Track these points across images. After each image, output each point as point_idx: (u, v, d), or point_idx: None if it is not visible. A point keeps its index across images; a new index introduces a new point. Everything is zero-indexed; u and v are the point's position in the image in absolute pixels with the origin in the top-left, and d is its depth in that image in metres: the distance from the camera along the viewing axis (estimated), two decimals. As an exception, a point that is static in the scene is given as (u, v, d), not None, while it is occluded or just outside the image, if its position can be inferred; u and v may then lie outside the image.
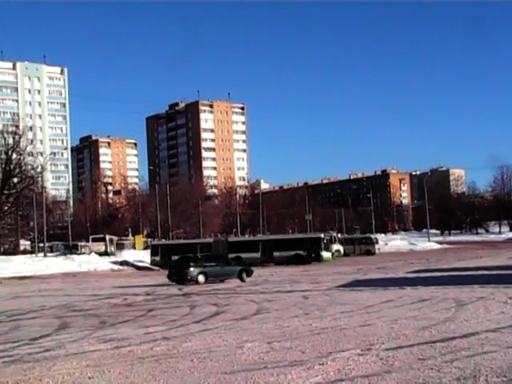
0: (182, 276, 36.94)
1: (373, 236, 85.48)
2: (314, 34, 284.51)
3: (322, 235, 63.31)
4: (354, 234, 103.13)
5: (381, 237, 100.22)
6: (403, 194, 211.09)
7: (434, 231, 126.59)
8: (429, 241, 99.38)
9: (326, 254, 60.35)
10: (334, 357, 12.26)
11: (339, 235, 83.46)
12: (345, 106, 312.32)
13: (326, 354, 12.55)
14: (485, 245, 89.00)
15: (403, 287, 26.94)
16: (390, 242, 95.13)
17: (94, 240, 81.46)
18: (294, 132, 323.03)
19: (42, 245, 78.12)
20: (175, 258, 59.68)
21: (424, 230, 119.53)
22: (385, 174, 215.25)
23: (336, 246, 69.22)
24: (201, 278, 36.58)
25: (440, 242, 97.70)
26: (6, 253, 78.77)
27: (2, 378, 11.65)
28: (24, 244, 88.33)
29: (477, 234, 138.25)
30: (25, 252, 79.72)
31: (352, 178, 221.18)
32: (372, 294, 25.09)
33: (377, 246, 78.07)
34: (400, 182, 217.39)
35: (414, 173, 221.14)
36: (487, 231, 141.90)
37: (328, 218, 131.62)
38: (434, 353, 12.23)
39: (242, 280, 37.36)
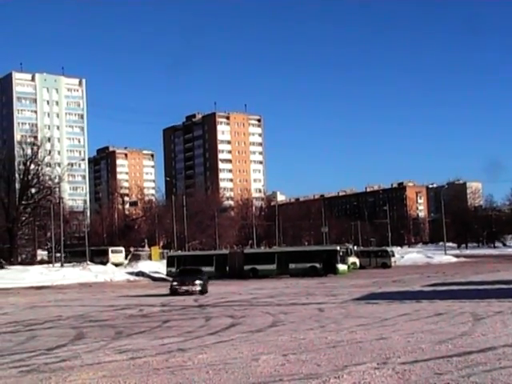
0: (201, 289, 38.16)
1: (389, 249, 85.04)
2: (330, 44, 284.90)
3: (338, 248, 63.02)
4: (370, 247, 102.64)
5: (397, 250, 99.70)
6: (420, 207, 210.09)
7: (450, 244, 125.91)
8: (445, 254, 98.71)
9: (341, 267, 60.05)
10: (349, 370, 12.22)
11: (355, 248, 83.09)
12: (362, 118, 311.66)
13: (341, 368, 12.51)
14: (502, 258, 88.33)
15: (420, 301, 26.81)
16: (407, 255, 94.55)
17: (113, 251, 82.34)
18: (310, 144, 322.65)
19: (58, 255, 78.45)
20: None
21: (441, 243, 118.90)
22: (401, 187, 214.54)
23: (352, 259, 68.85)
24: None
25: (457, 256, 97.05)
26: (23, 263, 79.12)
27: (19, 388, 11.70)
28: (41, 254, 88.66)
29: (494, 247, 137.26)
30: (42, 262, 79.96)
31: (368, 190, 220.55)
32: (388, 307, 24.98)
33: (393, 259, 77.61)
34: (417, 195, 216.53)
35: (430, 186, 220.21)
36: (504, 245, 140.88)
37: (344, 230, 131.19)
38: (450, 367, 12.16)
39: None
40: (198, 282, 38.56)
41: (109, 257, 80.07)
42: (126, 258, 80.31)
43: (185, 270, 44.40)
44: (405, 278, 48.73)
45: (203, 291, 38.29)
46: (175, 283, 38.91)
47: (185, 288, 38.11)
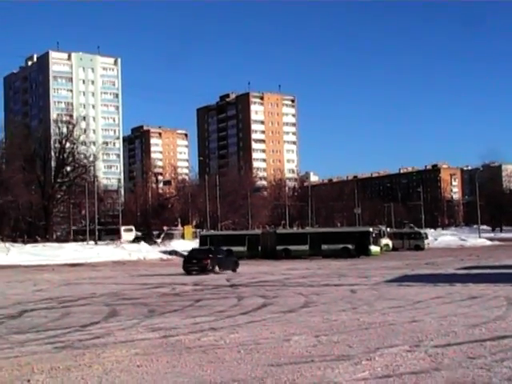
0: (202, 267, 39.32)
1: (422, 231, 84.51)
2: (365, 29, 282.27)
3: (371, 229, 62.85)
4: (404, 229, 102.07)
5: (430, 232, 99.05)
6: (454, 190, 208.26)
7: (484, 227, 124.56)
8: (479, 237, 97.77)
9: (374, 248, 59.91)
10: (381, 352, 12.16)
11: (388, 229, 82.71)
12: (396, 100, 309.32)
13: (373, 350, 12.46)
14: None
15: (453, 284, 26.62)
16: (440, 238, 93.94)
17: (125, 230, 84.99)
18: (343, 125, 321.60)
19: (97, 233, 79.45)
20: (224, 248, 60.16)
21: (475, 226, 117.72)
22: (435, 169, 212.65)
23: (385, 241, 68.66)
24: (217, 269, 39.82)
25: (491, 239, 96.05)
26: (58, 240, 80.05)
27: (54, 363, 11.85)
28: (128, 229, 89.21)
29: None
30: (76, 240, 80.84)
31: (402, 172, 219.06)
32: (421, 290, 24.83)
33: (426, 242, 77.18)
34: (451, 177, 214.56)
35: (465, 168, 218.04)
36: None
37: (377, 211, 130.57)
38: (484, 351, 12.04)
39: (234, 271, 40.72)
40: (207, 261, 39.54)
41: (121, 235, 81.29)
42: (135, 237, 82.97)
43: (194, 250, 45.13)
44: (438, 261, 48.42)
45: (213, 268, 39.43)
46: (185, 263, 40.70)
47: (192, 267, 39.62)
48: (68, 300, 24.47)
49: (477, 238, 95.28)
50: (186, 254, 62.36)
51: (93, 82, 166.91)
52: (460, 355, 11.80)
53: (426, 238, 78.88)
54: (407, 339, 13.53)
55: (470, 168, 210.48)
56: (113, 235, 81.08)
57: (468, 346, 12.56)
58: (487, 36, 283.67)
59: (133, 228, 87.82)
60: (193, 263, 39.89)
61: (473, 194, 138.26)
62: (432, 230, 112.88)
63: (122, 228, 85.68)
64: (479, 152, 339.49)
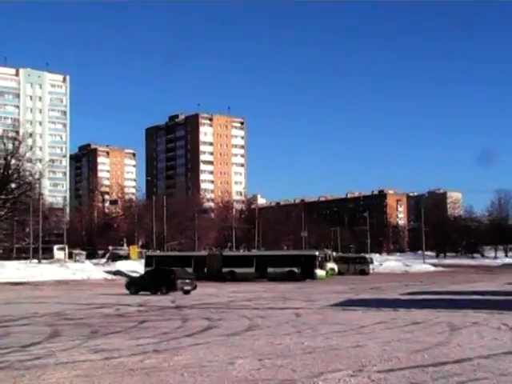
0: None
1: (367, 256, 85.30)
2: (313, 48, 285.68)
3: (317, 253, 63.20)
4: (349, 253, 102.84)
5: (375, 257, 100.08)
6: (400, 215, 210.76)
7: (429, 253, 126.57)
8: (424, 263, 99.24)
9: (320, 272, 60.21)
10: (325, 377, 12.19)
11: (334, 253, 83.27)
12: (345, 124, 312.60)
13: (317, 374, 12.48)
14: (480, 269, 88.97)
15: (396, 309, 26.87)
16: (385, 263, 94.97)
17: (58, 249, 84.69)
18: (292, 148, 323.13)
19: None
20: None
21: (419, 252, 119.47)
22: (382, 194, 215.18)
23: (330, 265, 69.07)
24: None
25: (435, 265, 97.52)
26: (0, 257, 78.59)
27: (-9, 385, 11.59)
28: (60, 248, 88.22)
29: (472, 257, 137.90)
30: (19, 258, 79.52)
31: (349, 196, 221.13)
32: (365, 315, 25.00)
33: (371, 266, 77.94)
34: (397, 203, 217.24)
35: (411, 194, 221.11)
36: (482, 255, 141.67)
37: (323, 235, 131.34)
38: (426, 377, 12.17)
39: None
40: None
41: (53, 253, 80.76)
42: (68, 255, 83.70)
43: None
44: (382, 286, 48.87)
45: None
46: None
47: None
48: (8, 319, 23.98)
49: (421, 264, 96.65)
50: (132, 274, 62.07)
51: (40, 99, 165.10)
52: (402, 381, 11.90)
53: (371, 262, 79.68)
54: (351, 364, 13.59)
55: (415, 194, 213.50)
56: (45, 254, 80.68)
57: (410, 372, 12.67)
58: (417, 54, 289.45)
59: (65, 246, 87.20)
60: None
61: (418, 220, 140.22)
62: (377, 255, 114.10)
63: (55, 247, 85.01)
64: (425, 178, 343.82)
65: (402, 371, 12.75)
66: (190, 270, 60.00)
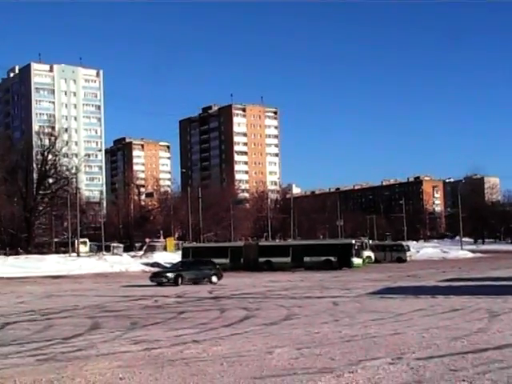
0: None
1: (404, 243, 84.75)
2: (349, 39, 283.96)
3: (353, 241, 62.94)
4: (386, 241, 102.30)
5: (412, 244, 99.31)
6: (436, 202, 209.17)
7: (466, 239, 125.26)
8: (461, 249, 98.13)
9: (356, 261, 59.94)
10: (363, 365, 12.21)
11: (370, 242, 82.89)
12: (379, 111, 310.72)
13: (355, 362, 12.50)
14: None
15: (435, 296, 26.72)
16: (422, 250, 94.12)
17: (81, 243, 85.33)
18: (326, 137, 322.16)
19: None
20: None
21: (457, 238, 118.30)
22: (418, 181, 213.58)
23: (367, 253, 68.70)
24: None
25: (473, 251, 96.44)
26: (40, 252, 79.60)
27: (37, 376, 11.81)
28: (83, 242, 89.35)
29: (511, 243, 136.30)
30: (59, 252, 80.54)
31: (384, 184, 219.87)
32: (403, 302, 24.92)
33: (408, 254, 77.30)
34: (433, 189, 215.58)
35: (447, 180, 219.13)
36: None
37: (359, 224, 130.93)
38: (465, 364, 12.11)
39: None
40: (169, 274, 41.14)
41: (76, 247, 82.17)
42: (90, 249, 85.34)
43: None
44: (420, 273, 48.57)
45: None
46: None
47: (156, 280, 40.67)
48: (50, 312, 24.34)
49: (459, 251, 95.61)
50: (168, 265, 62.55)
51: (75, 94, 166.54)
52: (442, 368, 11.86)
53: (408, 250, 79.03)
54: (389, 352, 13.58)
55: (452, 180, 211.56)
56: (59, 248, 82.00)
57: (450, 359, 12.62)
58: (470, 48, 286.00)
59: (87, 240, 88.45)
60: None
61: (455, 206, 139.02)
62: (414, 243, 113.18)
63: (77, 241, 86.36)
64: (462, 165, 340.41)
65: (441, 358, 12.70)
66: (226, 260, 60.56)
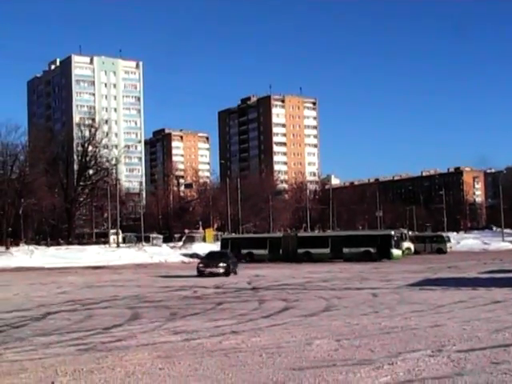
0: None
1: (444, 234, 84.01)
2: (389, 31, 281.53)
3: (393, 232, 62.55)
4: (425, 232, 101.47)
5: (453, 235, 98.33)
6: (477, 192, 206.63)
7: (508, 231, 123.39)
8: (503, 241, 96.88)
9: (396, 252, 59.60)
10: (403, 357, 12.13)
11: (410, 233, 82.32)
12: (419, 102, 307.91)
13: (395, 354, 12.42)
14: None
15: (476, 288, 26.45)
16: (462, 241, 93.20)
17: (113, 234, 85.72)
18: (365, 127, 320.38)
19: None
20: (245, 251, 60.32)
21: (498, 230, 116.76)
22: (458, 172, 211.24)
23: (406, 244, 68.31)
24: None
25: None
26: (80, 243, 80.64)
27: (77, 366, 11.94)
28: (114, 233, 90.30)
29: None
30: (98, 242, 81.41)
31: (424, 174, 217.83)
32: (443, 294, 24.71)
33: (448, 245, 76.67)
34: (474, 180, 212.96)
35: (488, 171, 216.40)
36: None
37: (399, 215, 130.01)
38: (507, 357, 11.96)
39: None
40: (221, 264, 40.15)
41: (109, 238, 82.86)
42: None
43: (211, 253, 45.85)
44: (460, 265, 48.11)
45: (227, 273, 39.75)
46: (201, 265, 40.73)
47: (209, 270, 39.73)
48: (91, 302, 24.62)
49: (500, 242, 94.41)
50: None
51: (115, 86, 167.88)
52: (483, 360, 11.73)
53: (449, 241, 78.39)
54: (429, 344, 13.47)
55: (493, 171, 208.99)
56: (99, 238, 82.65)
57: (491, 351, 12.48)
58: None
59: (119, 232, 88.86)
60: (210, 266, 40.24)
61: (496, 197, 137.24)
62: (454, 234, 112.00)
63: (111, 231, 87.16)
64: (503, 155, 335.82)
65: (482, 351, 12.56)
66: (265, 251, 60.75)
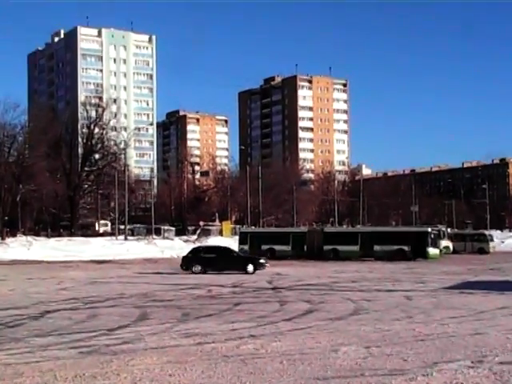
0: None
1: (487, 232, 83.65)
2: (430, 12, 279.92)
3: (430, 229, 62.27)
4: (466, 230, 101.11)
5: (496, 234, 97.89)
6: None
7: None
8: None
9: (432, 251, 59.36)
10: (439, 368, 12.08)
11: (449, 230, 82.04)
12: (459, 89, 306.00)
13: (430, 364, 12.38)
14: None
15: (521, 292, 26.34)
16: (507, 240, 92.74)
17: (102, 225, 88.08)
18: (400, 114, 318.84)
19: (122, 227, 79.98)
20: (266, 247, 60.31)
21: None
22: (503, 163, 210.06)
23: (444, 242, 68.08)
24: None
25: None
26: (84, 234, 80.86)
27: (78, 370, 11.99)
28: (104, 224, 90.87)
29: None
30: (104, 234, 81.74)
31: (465, 166, 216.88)
32: (485, 299, 24.61)
33: (491, 244, 76.28)
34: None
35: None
36: None
37: (436, 210, 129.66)
38: (556, 370, 11.89)
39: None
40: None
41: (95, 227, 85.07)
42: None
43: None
44: (504, 266, 47.88)
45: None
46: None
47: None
48: (94, 300, 24.75)
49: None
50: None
51: (125, 62, 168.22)
52: (528, 373, 11.67)
53: (492, 240, 78.00)
54: (469, 354, 13.42)
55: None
56: (87, 229, 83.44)
57: (538, 364, 12.41)
58: None
59: (108, 223, 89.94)
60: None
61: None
62: (498, 232, 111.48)
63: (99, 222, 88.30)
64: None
65: (528, 363, 12.50)
66: (287, 247, 60.75)
